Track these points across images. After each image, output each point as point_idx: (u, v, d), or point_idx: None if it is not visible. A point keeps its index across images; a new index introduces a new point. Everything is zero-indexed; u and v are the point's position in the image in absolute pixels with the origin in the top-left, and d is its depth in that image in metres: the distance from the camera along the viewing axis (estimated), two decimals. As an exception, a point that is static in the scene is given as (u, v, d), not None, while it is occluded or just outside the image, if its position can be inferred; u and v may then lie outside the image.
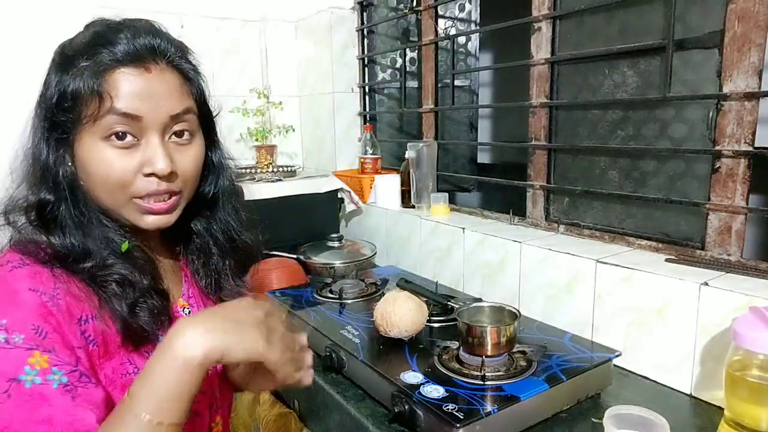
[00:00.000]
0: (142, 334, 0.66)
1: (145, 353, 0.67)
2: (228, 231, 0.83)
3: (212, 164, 0.80)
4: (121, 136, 0.64)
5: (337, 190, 1.90)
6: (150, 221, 0.69)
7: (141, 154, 0.65)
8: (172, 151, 0.67)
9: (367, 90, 2.16)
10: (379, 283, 1.43)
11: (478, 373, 0.90)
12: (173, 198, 0.69)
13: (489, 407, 0.81)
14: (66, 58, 0.65)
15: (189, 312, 0.79)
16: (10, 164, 0.69)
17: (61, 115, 0.64)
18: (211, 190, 0.80)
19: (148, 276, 0.69)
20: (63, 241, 0.64)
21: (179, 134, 0.69)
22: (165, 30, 0.70)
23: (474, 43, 2.15)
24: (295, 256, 1.66)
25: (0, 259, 0.62)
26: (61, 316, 0.59)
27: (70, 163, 0.66)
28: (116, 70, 0.63)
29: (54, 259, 0.63)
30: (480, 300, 1.28)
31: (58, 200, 0.66)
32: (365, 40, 2.13)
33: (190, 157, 0.70)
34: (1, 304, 0.57)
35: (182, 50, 0.71)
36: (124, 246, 0.68)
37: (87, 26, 0.68)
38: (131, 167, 0.65)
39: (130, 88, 0.63)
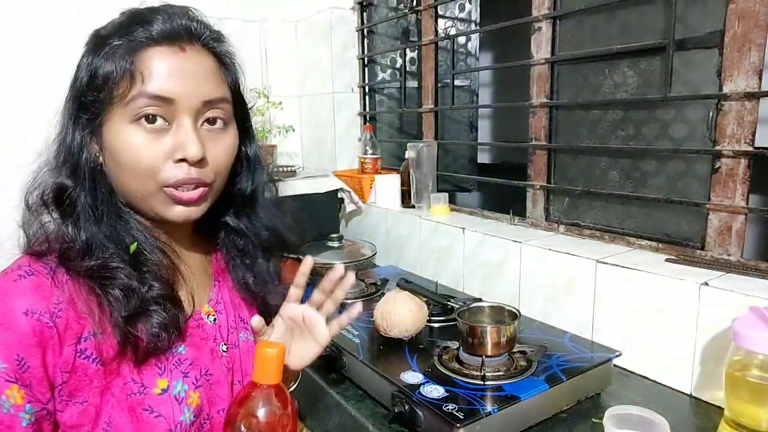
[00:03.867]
0: (144, 348, 0.62)
1: (154, 368, 0.63)
2: (273, 227, 0.80)
3: (247, 158, 0.76)
4: (151, 119, 0.61)
5: (337, 190, 1.90)
6: (178, 212, 0.65)
7: (172, 138, 0.62)
8: (204, 138, 0.64)
9: (367, 90, 2.16)
10: (379, 283, 1.43)
11: (478, 373, 0.90)
12: (202, 189, 0.65)
13: (489, 407, 0.81)
14: (99, 39, 0.63)
15: (215, 320, 0.74)
16: (42, 148, 0.66)
17: (90, 95, 0.62)
18: (248, 186, 0.77)
19: (160, 283, 0.65)
20: (72, 233, 0.61)
21: (212, 121, 0.65)
22: (203, 16, 0.69)
23: (474, 43, 2.15)
24: (294, 256, 1.66)
25: (13, 263, 0.61)
26: (54, 340, 0.57)
27: (97, 149, 0.64)
28: (150, 48, 0.61)
29: (63, 257, 0.60)
30: (480, 300, 1.28)
31: (76, 187, 0.63)
32: (365, 40, 2.13)
33: (222, 146, 0.67)
34: None
35: (219, 36, 0.69)
36: (132, 247, 0.64)
37: (122, 12, 0.66)
38: (161, 152, 0.61)
39: (163, 67, 0.60)
